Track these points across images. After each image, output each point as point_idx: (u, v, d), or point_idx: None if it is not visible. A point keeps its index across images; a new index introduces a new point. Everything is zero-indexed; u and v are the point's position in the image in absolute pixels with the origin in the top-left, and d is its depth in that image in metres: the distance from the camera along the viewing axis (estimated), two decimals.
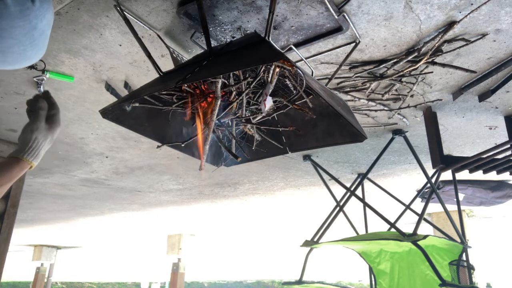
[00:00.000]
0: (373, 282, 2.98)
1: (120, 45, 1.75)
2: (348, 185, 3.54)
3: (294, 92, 1.49)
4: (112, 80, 2.06)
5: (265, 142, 1.80)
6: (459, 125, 2.61)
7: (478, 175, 2.66)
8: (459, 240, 2.60)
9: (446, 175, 3.18)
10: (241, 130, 1.74)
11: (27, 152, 1.05)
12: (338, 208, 2.96)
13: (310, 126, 1.71)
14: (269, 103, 1.40)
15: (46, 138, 1.10)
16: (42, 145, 1.09)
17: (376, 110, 2.35)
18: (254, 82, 1.40)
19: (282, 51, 1.67)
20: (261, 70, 1.38)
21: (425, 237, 2.22)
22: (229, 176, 3.86)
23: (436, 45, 1.70)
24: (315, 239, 2.88)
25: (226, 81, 1.39)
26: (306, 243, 2.82)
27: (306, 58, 1.80)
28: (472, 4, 1.47)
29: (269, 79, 1.38)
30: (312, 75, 1.88)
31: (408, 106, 2.30)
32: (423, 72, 1.95)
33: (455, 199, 2.93)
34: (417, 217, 2.49)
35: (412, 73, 1.94)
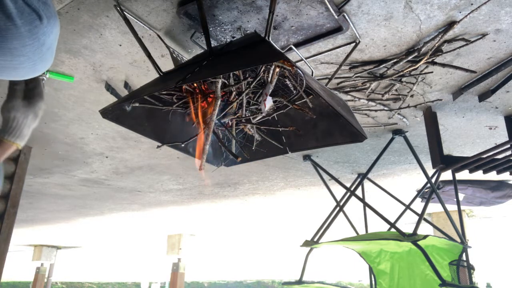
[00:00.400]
0: (373, 282, 2.98)
1: (120, 45, 1.75)
2: (348, 185, 3.54)
3: (294, 92, 1.49)
4: (112, 80, 2.06)
5: (265, 142, 1.80)
6: (459, 125, 2.61)
7: (478, 175, 2.66)
8: (459, 240, 2.60)
9: (446, 175, 3.18)
10: (241, 130, 1.74)
11: (8, 133, 1.01)
12: (338, 208, 2.96)
13: (310, 126, 1.71)
14: (269, 103, 1.40)
15: (27, 116, 1.03)
16: (24, 123, 1.02)
17: (376, 110, 2.35)
18: (254, 82, 1.40)
19: (282, 51, 1.67)
20: (261, 70, 1.38)
21: (425, 237, 2.21)
22: (229, 176, 3.86)
23: (436, 45, 1.70)
24: (315, 239, 2.88)
25: (226, 81, 1.39)
26: (306, 243, 2.82)
27: (306, 58, 1.80)
28: (472, 4, 1.47)
29: (269, 79, 1.38)
30: (312, 75, 1.88)
31: (408, 106, 2.30)
32: (423, 72, 1.95)
33: (455, 199, 2.93)
34: (417, 217, 2.49)
35: (412, 73, 1.94)
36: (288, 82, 1.49)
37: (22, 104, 1.03)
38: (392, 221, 2.74)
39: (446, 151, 3.00)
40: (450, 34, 1.65)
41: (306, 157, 3.22)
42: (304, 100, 1.50)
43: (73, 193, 4.43)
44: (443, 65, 1.87)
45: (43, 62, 0.88)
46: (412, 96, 2.19)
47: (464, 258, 2.59)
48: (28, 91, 1.05)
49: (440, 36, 1.63)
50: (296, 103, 1.47)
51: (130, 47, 1.77)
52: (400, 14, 1.53)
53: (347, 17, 1.53)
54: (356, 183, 3.56)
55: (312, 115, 1.51)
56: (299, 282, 2.85)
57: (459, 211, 2.83)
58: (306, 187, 4.19)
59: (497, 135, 2.77)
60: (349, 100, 2.22)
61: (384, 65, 1.86)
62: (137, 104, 1.49)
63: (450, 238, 2.59)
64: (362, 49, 1.77)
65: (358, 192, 3.33)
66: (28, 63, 0.84)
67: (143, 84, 1.63)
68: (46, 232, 7.60)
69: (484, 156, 2.24)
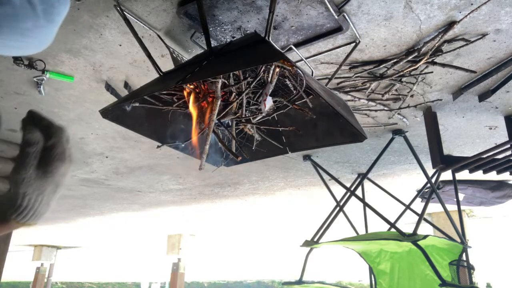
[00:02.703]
0: (373, 282, 2.98)
1: (120, 45, 1.75)
2: (348, 185, 3.54)
3: (294, 92, 1.49)
4: (112, 80, 2.06)
5: (265, 142, 1.80)
6: (459, 125, 2.61)
7: (478, 175, 2.66)
8: (459, 240, 2.60)
9: (446, 175, 3.18)
10: (241, 130, 1.74)
11: (17, 212, 0.72)
12: (338, 208, 2.96)
13: (310, 126, 1.71)
14: (269, 103, 1.40)
15: (42, 191, 0.72)
16: (38, 201, 0.73)
17: (376, 110, 2.35)
18: (254, 82, 1.40)
19: (282, 51, 1.67)
20: (261, 70, 1.38)
21: (425, 237, 2.22)
22: (229, 176, 3.85)
23: (436, 45, 1.70)
24: (315, 239, 2.88)
25: (226, 81, 1.39)
26: (306, 243, 2.82)
27: (306, 58, 1.80)
28: (472, 4, 1.47)
29: (269, 79, 1.38)
30: (312, 75, 1.88)
31: (408, 106, 2.30)
32: (423, 72, 1.95)
33: (455, 199, 2.93)
34: (417, 217, 2.49)
35: (412, 73, 1.94)
36: (288, 82, 1.49)
37: (35, 175, 0.72)
38: (392, 221, 2.74)
39: (446, 151, 3.00)
40: (450, 34, 1.65)
41: (306, 157, 3.22)
42: (304, 100, 1.50)
43: (73, 193, 4.43)
44: (443, 65, 1.87)
45: (49, 41, 0.74)
46: (412, 96, 2.19)
47: (464, 258, 2.59)
48: (46, 153, 0.74)
49: (440, 36, 1.63)
50: (296, 103, 1.47)
51: (130, 47, 1.77)
52: (400, 14, 1.53)
53: (347, 17, 1.53)
54: (356, 183, 3.56)
55: (312, 115, 1.51)
56: (299, 282, 2.85)
57: (459, 211, 2.83)
58: (306, 187, 4.19)
59: (497, 135, 2.77)
60: (349, 100, 2.22)
61: (384, 65, 1.86)
62: (137, 104, 1.49)
63: (450, 238, 2.59)
64: (362, 49, 1.77)
65: (358, 192, 3.33)
66: (35, 44, 0.72)
67: (143, 84, 1.63)
68: (46, 232, 7.60)
69: (484, 156, 2.24)
